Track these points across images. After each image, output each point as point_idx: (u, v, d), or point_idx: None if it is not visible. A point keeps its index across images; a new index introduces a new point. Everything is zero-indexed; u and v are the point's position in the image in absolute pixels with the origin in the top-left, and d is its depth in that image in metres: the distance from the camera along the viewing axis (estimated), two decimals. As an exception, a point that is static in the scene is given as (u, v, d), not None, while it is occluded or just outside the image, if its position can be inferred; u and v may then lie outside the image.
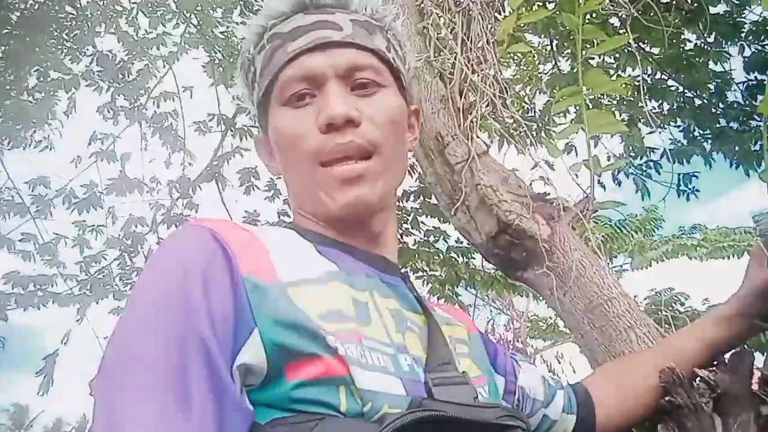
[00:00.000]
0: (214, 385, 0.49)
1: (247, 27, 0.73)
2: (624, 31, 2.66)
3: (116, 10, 3.85)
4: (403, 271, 0.73)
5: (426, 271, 3.31)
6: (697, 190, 3.20)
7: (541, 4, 2.70)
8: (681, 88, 3.06)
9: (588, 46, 1.46)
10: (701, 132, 3.10)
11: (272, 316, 0.53)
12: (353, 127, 0.64)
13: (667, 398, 0.88)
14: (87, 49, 3.87)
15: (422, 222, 3.30)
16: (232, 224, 0.62)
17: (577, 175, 1.26)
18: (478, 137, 1.41)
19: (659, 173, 3.25)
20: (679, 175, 3.21)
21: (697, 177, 3.18)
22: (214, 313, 0.52)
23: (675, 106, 3.09)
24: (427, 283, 3.30)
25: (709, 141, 3.08)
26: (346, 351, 0.54)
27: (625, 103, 3.17)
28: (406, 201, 3.24)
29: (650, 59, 2.96)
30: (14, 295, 3.68)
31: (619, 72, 3.07)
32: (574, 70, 1.18)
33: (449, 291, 3.30)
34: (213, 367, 0.49)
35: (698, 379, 0.89)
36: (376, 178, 0.66)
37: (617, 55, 2.98)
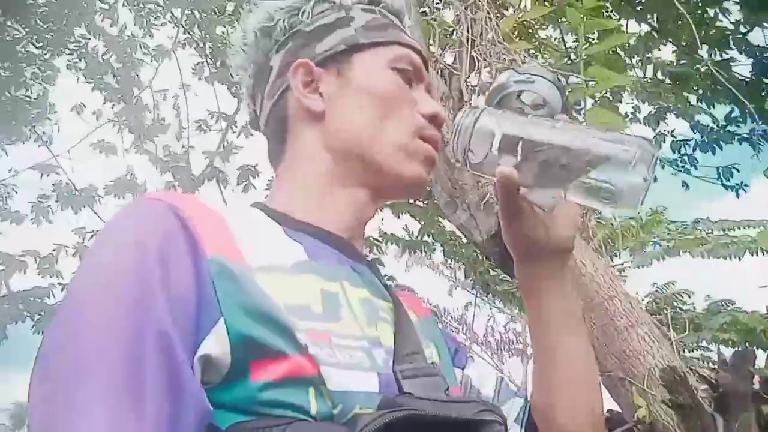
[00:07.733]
0: (171, 382, 0.44)
1: None
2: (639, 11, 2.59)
3: (100, 7, 3.78)
4: (371, 258, 0.74)
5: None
6: (746, 185, 2.96)
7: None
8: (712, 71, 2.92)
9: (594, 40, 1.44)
10: (744, 113, 2.86)
11: (241, 304, 0.48)
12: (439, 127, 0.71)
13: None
14: (84, 47, 3.84)
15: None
16: (194, 198, 0.56)
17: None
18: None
19: (696, 167, 3.11)
20: (717, 168, 3.05)
21: (738, 170, 2.98)
22: (174, 299, 0.46)
23: (707, 91, 2.89)
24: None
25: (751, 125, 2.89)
26: (315, 349, 0.50)
27: (647, 91, 3.03)
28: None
29: (674, 43, 2.86)
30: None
31: (646, 55, 2.93)
32: (578, 60, 1.17)
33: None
34: (171, 360, 0.44)
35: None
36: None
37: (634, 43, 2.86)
